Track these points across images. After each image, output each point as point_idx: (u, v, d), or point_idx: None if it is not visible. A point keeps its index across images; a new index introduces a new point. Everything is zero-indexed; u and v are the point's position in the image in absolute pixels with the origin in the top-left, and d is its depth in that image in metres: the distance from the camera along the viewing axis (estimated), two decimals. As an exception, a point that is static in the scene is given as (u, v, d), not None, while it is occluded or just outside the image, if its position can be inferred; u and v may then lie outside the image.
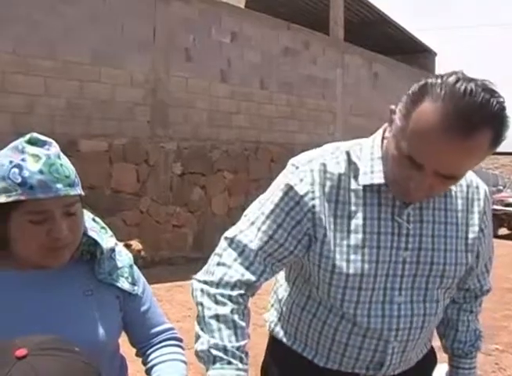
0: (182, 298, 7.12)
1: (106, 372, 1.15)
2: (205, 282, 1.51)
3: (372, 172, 1.52)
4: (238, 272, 1.49)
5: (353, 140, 1.63)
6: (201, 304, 1.47)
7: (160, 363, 1.58)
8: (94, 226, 1.56)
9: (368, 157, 1.54)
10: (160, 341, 1.64)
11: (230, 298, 1.46)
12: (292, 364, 1.74)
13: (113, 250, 1.57)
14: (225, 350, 1.40)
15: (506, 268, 10.21)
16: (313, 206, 1.51)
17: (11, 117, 7.76)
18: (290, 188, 1.52)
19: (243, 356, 1.42)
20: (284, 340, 1.76)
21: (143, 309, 1.62)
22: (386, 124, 1.54)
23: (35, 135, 1.37)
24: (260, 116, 11.48)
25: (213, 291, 1.48)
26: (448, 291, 1.68)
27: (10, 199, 1.31)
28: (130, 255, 1.64)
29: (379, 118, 15.03)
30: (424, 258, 1.57)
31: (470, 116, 1.29)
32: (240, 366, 1.40)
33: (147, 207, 9.42)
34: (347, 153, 1.56)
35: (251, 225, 1.54)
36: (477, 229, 1.66)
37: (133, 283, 1.59)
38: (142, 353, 1.64)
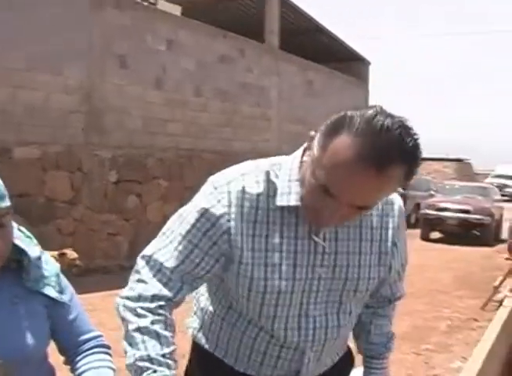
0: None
1: None
2: (126, 297, 1.54)
3: (289, 194, 1.55)
4: (156, 287, 1.53)
5: (273, 158, 1.65)
6: (124, 319, 1.52)
7: (88, 370, 1.60)
8: (20, 235, 1.58)
9: (286, 178, 1.57)
10: (88, 349, 1.66)
11: (150, 310, 1.50)
12: (214, 370, 1.80)
13: (39, 258, 1.59)
14: (150, 360, 1.44)
15: (436, 271, 10.57)
16: (229, 228, 1.55)
17: None
18: (206, 210, 1.55)
19: (169, 362, 1.46)
20: (206, 346, 1.81)
21: (71, 317, 1.64)
22: (305, 145, 1.56)
23: None
24: (195, 123, 11.52)
25: (133, 305, 1.52)
26: (361, 301, 1.77)
27: None
28: (57, 264, 1.66)
29: (313, 125, 15.28)
30: (339, 274, 1.64)
31: (385, 152, 1.33)
32: (167, 372, 1.44)
33: (81, 216, 9.31)
34: (267, 173, 1.59)
35: (169, 244, 1.58)
36: (390, 244, 1.73)
37: (60, 292, 1.61)
38: (71, 361, 1.65)
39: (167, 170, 10.79)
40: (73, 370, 1.65)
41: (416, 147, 1.39)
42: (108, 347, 1.72)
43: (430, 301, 8.18)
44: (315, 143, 1.45)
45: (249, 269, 1.58)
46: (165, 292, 1.54)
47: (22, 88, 8.40)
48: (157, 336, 1.48)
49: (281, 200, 1.55)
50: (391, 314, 1.96)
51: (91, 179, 9.48)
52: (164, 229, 1.64)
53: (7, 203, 1.43)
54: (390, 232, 1.73)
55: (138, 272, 1.58)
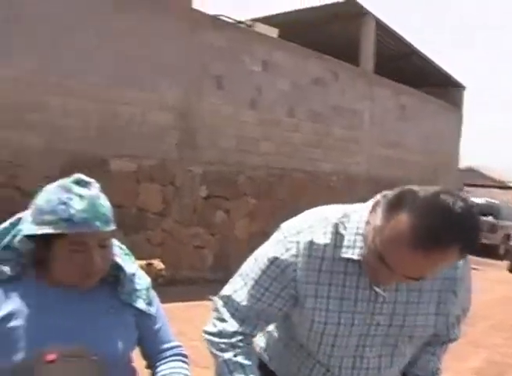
0: (198, 317, 7.31)
1: None
2: (210, 333, 1.77)
3: (354, 248, 1.64)
4: (234, 326, 1.74)
5: (343, 208, 1.74)
6: (211, 352, 1.76)
7: (166, 375, 1.79)
8: (120, 253, 1.80)
9: (353, 231, 1.65)
10: (168, 356, 1.85)
11: (231, 344, 1.72)
12: None
13: (133, 274, 1.80)
14: None
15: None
16: (295, 276, 1.69)
17: (44, 136, 8.05)
18: (276, 258, 1.70)
19: None
20: (268, 365, 1.98)
21: (156, 327, 1.84)
22: (374, 201, 1.64)
23: (81, 176, 1.62)
24: (287, 143, 11.70)
25: (217, 340, 1.75)
26: (416, 345, 1.86)
27: (56, 231, 1.55)
28: (148, 279, 1.87)
29: (405, 150, 15.18)
30: (396, 322, 1.74)
31: (438, 235, 1.40)
32: None
33: (170, 228, 9.66)
34: (335, 225, 1.68)
35: (244, 286, 1.76)
36: (450, 293, 1.78)
37: (149, 304, 1.81)
38: (152, 366, 1.86)
39: (257, 188, 11.01)
40: (153, 374, 1.85)
41: (473, 229, 1.45)
42: (186, 356, 1.92)
43: (511, 336, 7.93)
44: (380, 212, 1.54)
45: (310, 313, 1.72)
46: (243, 328, 1.75)
47: (121, 104, 8.86)
48: (241, 366, 1.70)
49: (346, 253, 1.66)
50: (440, 354, 2.02)
51: (182, 193, 9.84)
52: (240, 271, 1.82)
53: (112, 227, 1.63)
54: (451, 282, 1.78)
55: (217, 310, 1.80)
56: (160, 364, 1.83)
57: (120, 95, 8.84)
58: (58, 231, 1.55)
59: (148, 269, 6.99)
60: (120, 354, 1.69)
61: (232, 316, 1.76)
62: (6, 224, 1.72)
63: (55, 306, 1.65)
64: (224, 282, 1.91)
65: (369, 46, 14.08)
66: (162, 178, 9.53)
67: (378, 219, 1.53)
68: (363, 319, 1.72)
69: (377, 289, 1.67)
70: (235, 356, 1.72)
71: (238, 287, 1.78)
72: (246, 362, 1.72)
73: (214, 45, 10.10)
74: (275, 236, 1.77)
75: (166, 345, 1.86)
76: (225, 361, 1.71)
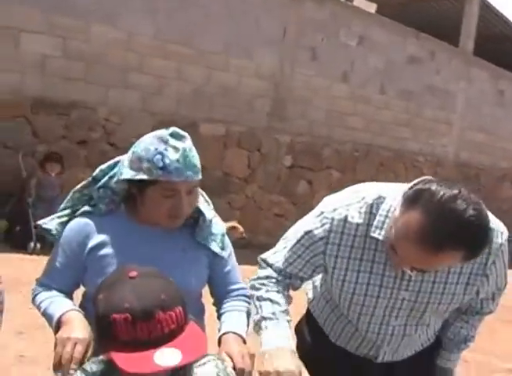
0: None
1: (190, 311, 1.56)
2: (251, 280, 2.00)
3: (381, 229, 1.78)
4: (270, 272, 1.98)
5: (380, 188, 1.86)
6: (250, 295, 2.00)
7: (229, 311, 1.99)
8: (201, 200, 2.01)
9: (384, 213, 1.78)
10: (234, 296, 2.04)
11: (264, 284, 1.95)
12: (317, 331, 2.21)
13: (211, 220, 2.01)
14: (263, 318, 1.88)
15: None
16: (325, 249, 1.88)
17: (141, 95, 8.50)
18: (310, 231, 1.89)
19: (279, 317, 1.87)
20: (313, 314, 2.24)
21: (226, 269, 2.04)
22: (406, 187, 1.70)
23: (177, 129, 1.80)
24: (375, 120, 11.69)
25: (253, 282, 1.99)
26: (441, 317, 2.03)
27: (151, 178, 1.76)
28: (223, 226, 2.07)
29: (500, 137, 14.71)
30: (422, 299, 1.88)
31: (442, 240, 1.50)
32: (275, 324, 1.85)
33: (253, 193, 9.97)
34: (370, 206, 1.82)
35: (283, 250, 1.97)
36: (479, 277, 1.88)
37: (222, 248, 2.01)
38: (218, 303, 2.06)
39: (342, 162, 11.10)
40: (218, 309, 2.05)
41: (479, 239, 1.55)
42: (249, 297, 2.08)
43: None
44: (399, 205, 1.66)
45: (340, 284, 1.92)
46: (277, 276, 1.96)
47: (216, 70, 9.15)
48: (271, 301, 1.90)
49: (374, 232, 1.81)
50: (474, 323, 2.14)
51: (268, 161, 10.08)
52: (284, 236, 2.03)
53: (199, 177, 1.82)
54: (482, 266, 1.86)
55: (260, 265, 2.03)
56: (226, 302, 2.03)
57: (216, 61, 9.12)
58: (152, 178, 1.75)
59: (232, 232, 7.23)
60: (192, 288, 1.90)
61: (271, 267, 1.98)
62: (104, 166, 1.96)
63: (140, 240, 1.88)
64: None
65: (470, 26, 13.62)
66: (249, 145, 9.80)
67: (397, 212, 1.66)
68: (389, 294, 1.87)
69: (406, 268, 1.74)
70: (266, 292, 1.93)
71: (278, 250, 1.99)
72: (276, 299, 1.91)
73: (311, 17, 10.19)
74: (316, 210, 1.94)
75: (233, 287, 2.05)
76: (257, 297, 1.93)
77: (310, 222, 1.92)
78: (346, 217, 1.84)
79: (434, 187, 1.57)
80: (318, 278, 2.20)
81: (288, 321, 1.88)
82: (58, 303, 1.86)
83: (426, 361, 2.16)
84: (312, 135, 10.63)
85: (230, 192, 9.64)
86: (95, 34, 8.06)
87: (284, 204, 10.44)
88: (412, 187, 1.65)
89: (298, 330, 2.33)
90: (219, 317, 2.03)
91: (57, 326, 1.78)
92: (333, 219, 1.85)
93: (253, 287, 1.98)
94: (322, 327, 2.19)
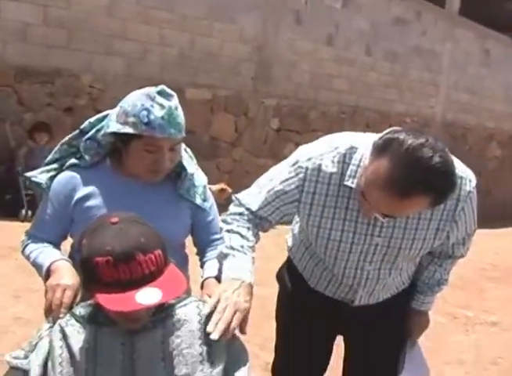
0: (259, 242, 7.67)
1: (174, 260, 1.64)
2: (225, 214, 2.08)
3: (354, 177, 1.85)
4: (243, 210, 2.04)
5: (352, 138, 1.93)
6: (220, 227, 2.06)
7: (211, 259, 2.06)
8: (185, 156, 2.07)
9: (356, 162, 1.86)
10: (215, 245, 2.12)
11: (236, 219, 2.02)
12: (297, 277, 2.29)
13: (193, 174, 2.08)
14: (231, 248, 1.93)
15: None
16: (300, 197, 1.95)
17: (126, 61, 8.49)
18: (286, 180, 1.96)
19: (246, 251, 1.93)
20: (293, 260, 2.32)
21: (208, 219, 2.12)
22: (377, 137, 1.76)
23: (164, 88, 1.86)
24: (361, 82, 11.70)
25: (225, 217, 2.07)
26: (414, 261, 2.11)
27: (136, 132, 1.82)
28: (205, 178, 2.14)
29: (486, 97, 14.76)
30: (394, 244, 1.96)
31: (411, 184, 1.57)
32: (243, 256, 1.91)
33: (240, 157, 10.03)
34: (343, 156, 1.89)
35: (256, 195, 2.03)
36: (449, 223, 1.96)
37: (204, 200, 2.09)
38: (201, 252, 2.14)
39: (328, 124, 11.09)
40: (201, 258, 2.13)
41: (445, 185, 1.63)
42: None
43: None
44: (369, 154, 1.73)
45: (315, 230, 2.00)
46: (249, 214, 2.03)
47: (200, 35, 9.13)
48: (240, 235, 1.97)
49: (347, 181, 1.88)
50: (447, 266, 2.23)
51: (255, 125, 10.12)
52: (257, 181, 2.09)
53: (182, 135, 1.89)
54: (451, 213, 1.94)
55: (233, 204, 2.10)
56: (209, 250, 2.11)
57: (199, 26, 9.09)
58: (137, 132, 1.81)
59: (220, 194, 7.27)
60: (175, 238, 1.98)
61: (243, 207, 2.05)
62: (93, 119, 2.02)
63: (124, 192, 1.95)
64: None
65: (456, -15, 13.61)
66: (236, 109, 9.83)
67: (366, 161, 1.74)
68: (363, 240, 1.95)
69: (377, 214, 1.81)
70: (237, 226, 2.00)
71: (252, 193, 2.06)
72: (246, 234, 1.98)
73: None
74: (291, 158, 2.00)
75: (215, 236, 2.12)
76: (228, 231, 2.00)
77: (285, 171, 1.98)
78: (320, 166, 1.91)
79: (402, 136, 1.64)
80: (297, 226, 2.28)
81: (253, 258, 1.94)
82: (47, 253, 1.94)
83: (400, 304, 2.25)
84: (298, 98, 10.65)
85: (218, 156, 9.69)
86: (75, 0, 8.00)
87: (272, 167, 10.41)
88: (381, 137, 1.71)
89: (280, 276, 2.43)
90: (202, 266, 2.11)
91: (47, 274, 1.86)
92: (307, 168, 1.92)
93: (224, 221, 2.05)
94: (301, 274, 2.27)
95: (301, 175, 1.93)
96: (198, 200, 2.08)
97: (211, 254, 2.10)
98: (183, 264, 2.12)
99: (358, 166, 1.85)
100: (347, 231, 1.95)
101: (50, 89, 8.05)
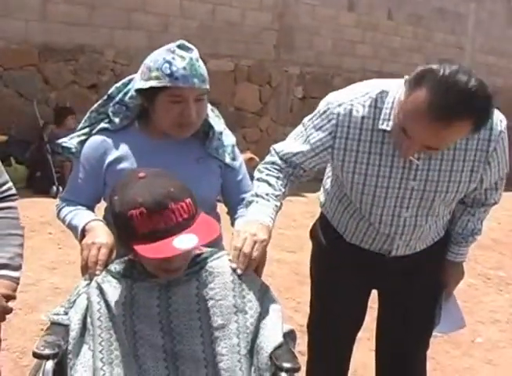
0: (288, 210, 7.68)
1: None
2: (260, 163, 2.12)
3: (388, 120, 1.87)
4: (276, 159, 2.09)
5: (383, 83, 1.94)
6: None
7: (242, 216, 2.08)
8: (211, 114, 2.10)
9: (389, 105, 1.87)
10: (245, 203, 2.14)
11: (267, 168, 2.08)
12: (331, 232, 2.30)
13: (221, 132, 2.11)
14: (256, 195, 1.99)
15: None
16: (333, 143, 1.97)
17: (147, 34, 8.50)
18: (319, 127, 1.99)
19: (270, 198, 1.97)
20: (327, 216, 2.32)
21: (238, 178, 2.16)
22: (407, 77, 1.78)
23: (184, 42, 1.90)
24: (385, 47, 11.55)
25: (260, 166, 2.11)
26: (449, 206, 2.10)
27: (160, 84, 1.85)
28: (233, 138, 2.17)
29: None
30: (430, 188, 1.97)
31: (452, 109, 1.59)
32: (266, 203, 1.96)
33: (266, 127, 10.03)
34: (374, 100, 1.90)
35: (294, 141, 2.07)
36: (482, 164, 1.97)
37: (233, 159, 2.12)
38: (232, 211, 2.17)
39: (353, 90, 10.99)
40: (232, 216, 2.16)
41: (485, 106, 1.65)
42: None
43: None
44: (404, 89, 1.74)
45: (350, 176, 2.01)
46: (281, 162, 2.07)
47: (220, 5, 9.10)
48: (268, 184, 2.01)
49: (382, 124, 1.90)
50: (480, 215, 2.23)
51: (279, 93, 10.10)
52: (294, 130, 2.12)
53: (206, 86, 1.92)
54: (484, 154, 1.95)
55: (269, 154, 2.13)
56: (239, 208, 2.14)
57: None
58: (161, 84, 1.85)
59: (249, 162, 7.28)
60: (207, 197, 2.00)
61: (277, 154, 2.09)
62: (119, 84, 2.07)
63: (154, 153, 1.98)
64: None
65: None
66: (259, 79, 9.80)
67: (402, 96, 1.74)
68: (398, 184, 1.96)
69: (411, 157, 1.86)
70: (267, 175, 2.04)
71: (288, 142, 2.10)
72: (274, 183, 2.02)
73: None
74: (321, 105, 2.02)
75: (245, 195, 2.14)
76: (258, 179, 2.05)
77: (317, 120, 2.00)
78: (351, 111, 1.93)
79: (435, 67, 1.66)
80: (329, 181, 2.28)
81: (276, 205, 1.97)
82: (81, 215, 1.99)
83: (435, 256, 2.25)
84: (321, 65, 10.57)
85: (244, 126, 9.70)
86: (95, -24, 8.00)
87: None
88: (414, 73, 1.73)
89: (313, 234, 2.44)
90: (232, 224, 2.14)
91: (82, 234, 1.91)
92: (338, 114, 1.94)
93: (257, 170, 2.09)
94: (336, 228, 2.27)
95: (334, 121, 1.95)
96: (227, 159, 2.10)
97: (242, 211, 2.12)
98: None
99: (392, 108, 1.86)
100: (383, 176, 1.96)
101: (74, 66, 8.11)
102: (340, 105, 1.95)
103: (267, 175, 2.04)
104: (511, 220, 7.88)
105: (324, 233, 2.36)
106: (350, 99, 1.95)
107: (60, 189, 7.19)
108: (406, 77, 1.77)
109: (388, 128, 1.87)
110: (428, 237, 2.17)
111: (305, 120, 2.07)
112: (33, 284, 4.27)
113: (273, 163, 2.08)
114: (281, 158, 2.07)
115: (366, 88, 1.95)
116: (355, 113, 1.92)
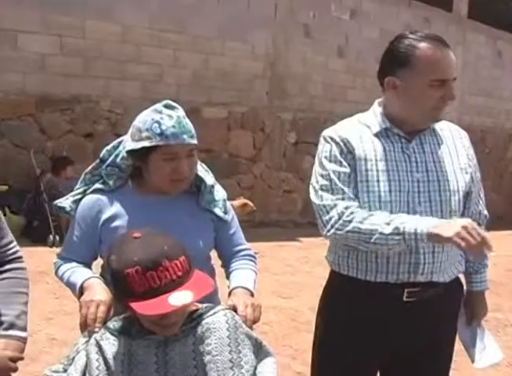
0: (283, 255, 7.77)
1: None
2: (337, 224, 2.07)
3: (379, 123, 2.15)
4: (341, 205, 2.07)
5: (356, 115, 2.25)
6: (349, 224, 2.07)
7: (237, 269, 2.15)
8: (200, 168, 2.16)
9: (372, 115, 2.19)
10: (240, 256, 2.20)
11: (352, 212, 2.05)
12: (349, 288, 2.23)
13: (212, 186, 2.17)
14: (387, 223, 1.98)
15: None
16: (353, 156, 2.11)
17: (142, 84, 8.68)
18: (328, 155, 2.13)
19: (391, 223, 2.00)
20: (342, 271, 2.22)
21: (231, 232, 2.20)
22: (379, 100, 2.19)
23: (169, 101, 1.98)
24: (375, 91, 11.63)
25: (339, 223, 2.06)
26: (459, 202, 2.16)
27: (152, 144, 1.92)
28: (224, 192, 2.22)
29: (502, 99, 14.67)
30: (432, 177, 2.12)
31: (441, 39, 2.07)
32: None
33: (261, 172, 10.13)
34: (357, 119, 2.21)
35: (323, 189, 2.10)
36: (465, 158, 2.22)
37: (225, 212, 2.17)
38: (226, 263, 2.22)
39: (345, 135, 11.11)
40: (227, 269, 2.20)
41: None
42: (254, 256, 2.27)
43: None
44: (399, 75, 2.08)
45: (364, 186, 2.10)
46: (345, 204, 2.07)
47: (213, 55, 9.29)
48: (372, 215, 2.03)
49: (375, 128, 2.14)
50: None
51: (272, 139, 10.23)
52: (313, 188, 2.15)
53: (195, 141, 1.99)
54: (462, 149, 2.23)
55: (324, 215, 2.11)
56: (233, 262, 2.19)
57: (212, 45, 9.25)
58: (153, 143, 1.92)
59: (241, 209, 7.25)
60: (201, 251, 2.06)
61: (335, 207, 2.07)
62: (109, 147, 2.14)
63: (149, 210, 2.03)
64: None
65: (462, -11, 13.58)
66: (252, 125, 9.95)
67: (408, 74, 2.06)
68: (406, 176, 2.10)
69: (407, 151, 2.12)
70: (361, 214, 2.02)
71: (319, 194, 2.10)
72: (371, 212, 2.05)
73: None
74: (319, 144, 2.20)
75: (239, 247, 2.21)
76: (361, 221, 2.01)
77: (322, 151, 2.17)
78: (344, 131, 2.15)
79: (405, 34, 2.15)
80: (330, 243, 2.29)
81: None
82: (79, 272, 2.03)
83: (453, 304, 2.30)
84: (314, 110, 10.74)
85: (238, 173, 9.81)
86: (90, 29, 8.22)
87: (292, 180, 10.61)
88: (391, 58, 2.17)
89: (323, 311, 2.37)
90: (228, 277, 2.18)
91: (80, 292, 1.95)
92: (334, 138, 2.13)
93: (345, 223, 2.04)
94: (354, 277, 2.18)
95: (334, 143, 2.14)
96: (220, 213, 2.15)
97: (236, 264, 2.18)
98: (210, 276, 2.12)
99: (376, 116, 2.17)
100: (392, 170, 2.10)
101: (70, 116, 8.25)
102: (330, 132, 2.16)
103: (360, 214, 2.04)
104: (507, 261, 7.90)
105: (338, 294, 2.30)
106: (340, 126, 2.19)
107: (57, 238, 7.24)
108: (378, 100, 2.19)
109: (386, 125, 2.13)
110: (450, 256, 2.16)
111: (315, 165, 2.19)
112: (29, 335, 4.27)
113: (346, 208, 2.05)
114: (339, 204, 2.07)
115: (348, 119, 2.25)
116: (347, 133, 2.15)
